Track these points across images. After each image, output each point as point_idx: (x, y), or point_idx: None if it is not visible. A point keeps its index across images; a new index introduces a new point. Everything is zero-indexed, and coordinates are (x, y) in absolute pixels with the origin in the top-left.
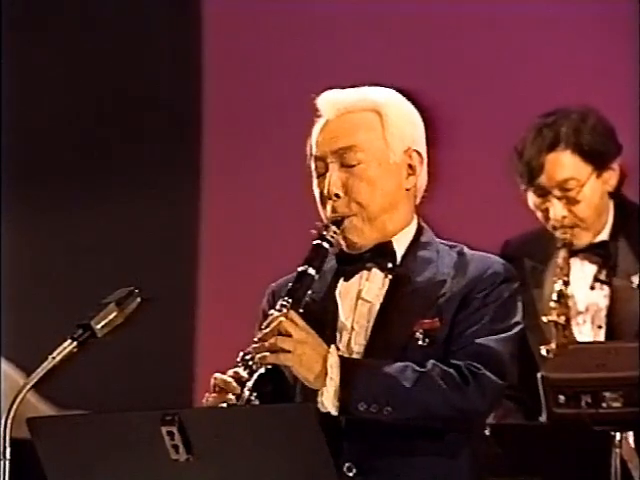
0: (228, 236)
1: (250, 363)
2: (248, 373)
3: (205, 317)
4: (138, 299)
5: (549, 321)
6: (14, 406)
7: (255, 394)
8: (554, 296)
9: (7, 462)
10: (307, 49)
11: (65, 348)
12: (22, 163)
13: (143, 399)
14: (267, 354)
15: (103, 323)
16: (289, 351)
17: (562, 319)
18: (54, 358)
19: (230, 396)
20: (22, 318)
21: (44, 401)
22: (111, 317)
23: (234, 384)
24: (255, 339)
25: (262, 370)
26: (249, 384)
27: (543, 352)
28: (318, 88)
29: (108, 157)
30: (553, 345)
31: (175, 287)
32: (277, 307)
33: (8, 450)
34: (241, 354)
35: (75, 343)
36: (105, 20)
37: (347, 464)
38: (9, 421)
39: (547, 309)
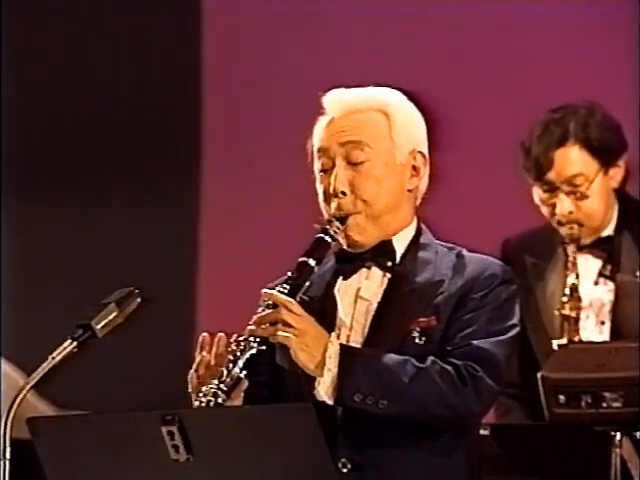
0: (228, 236)
1: (243, 344)
2: (240, 351)
3: (205, 316)
4: (138, 299)
5: (562, 315)
6: (14, 406)
7: (245, 372)
8: (566, 290)
9: (7, 462)
10: (307, 49)
11: (65, 348)
12: (22, 163)
13: (143, 399)
14: (270, 330)
15: (103, 323)
16: (289, 336)
17: (574, 313)
18: (54, 358)
19: (220, 369)
20: (22, 318)
21: (44, 401)
22: (111, 317)
23: (223, 352)
24: (250, 322)
25: (254, 351)
26: (240, 362)
27: (555, 347)
28: (318, 88)
29: (108, 157)
30: (565, 340)
31: (175, 287)
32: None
33: (8, 450)
34: (234, 336)
35: (75, 343)
36: (105, 20)
37: (342, 460)
38: (9, 421)
39: (558, 303)
